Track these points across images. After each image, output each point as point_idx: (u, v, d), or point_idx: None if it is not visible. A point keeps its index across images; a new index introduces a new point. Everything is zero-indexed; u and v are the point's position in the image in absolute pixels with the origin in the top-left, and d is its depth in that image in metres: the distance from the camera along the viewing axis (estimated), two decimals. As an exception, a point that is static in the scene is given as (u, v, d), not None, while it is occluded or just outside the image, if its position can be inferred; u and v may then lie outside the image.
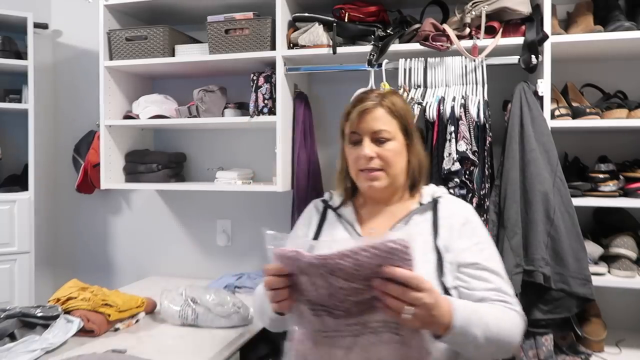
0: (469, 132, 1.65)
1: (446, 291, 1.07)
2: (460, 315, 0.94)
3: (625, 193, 1.77)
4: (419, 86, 1.82)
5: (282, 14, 1.98)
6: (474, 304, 1.03)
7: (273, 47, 2.01)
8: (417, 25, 1.89)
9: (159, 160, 2.29)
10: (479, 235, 1.16)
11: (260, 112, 2.04)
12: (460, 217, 1.17)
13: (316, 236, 1.26)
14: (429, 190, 1.24)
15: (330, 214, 1.29)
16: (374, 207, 1.24)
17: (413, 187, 1.23)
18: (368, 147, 1.16)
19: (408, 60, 1.83)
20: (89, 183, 2.47)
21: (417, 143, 1.22)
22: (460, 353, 1.03)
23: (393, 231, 1.16)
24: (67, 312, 1.60)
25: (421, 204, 1.20)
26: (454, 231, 1.14)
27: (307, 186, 2.08)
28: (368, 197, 1.25)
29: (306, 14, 2.00)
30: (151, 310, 1.83)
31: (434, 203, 1.19)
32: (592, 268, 1.67)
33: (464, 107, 1.69)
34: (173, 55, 2.17)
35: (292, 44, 2.02)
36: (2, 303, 2.24)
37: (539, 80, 1.71)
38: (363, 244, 0.84)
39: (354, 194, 1.30)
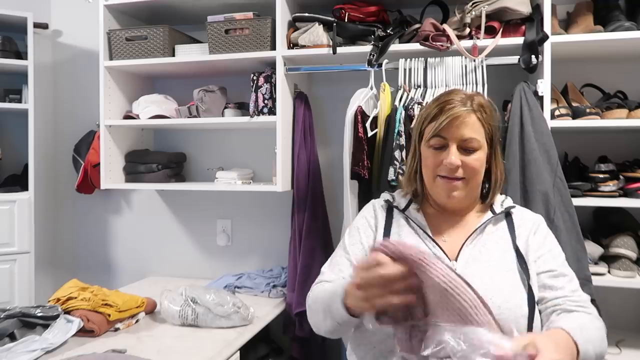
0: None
1: (531, 292, 1.04)
2: (580, 339, 0.91)
3: (625, 193, 1.77)
4: (419, 86, 1.82)
5: (282, 14, 1.98)
6: (573, 322, 0.98)
7: (273, 47, 2.01)
8: (417, 25, 1.89)
9: (159, 160, 2.29)
10: (550, 242, 1.15)
11: (260, 112, 2.04)
12: (531, 224, 1.15)
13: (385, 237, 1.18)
14: (499, 200, 1.20)
15: (397, 215, 1.20)
16: (444, 215, 1.17)
17: (486, 197, 1.18)
18: (455, 155, 1.08)
19: (408, 60, 1.83)
20: (89, 183, 2.47)
21: (499, 153, 1.16)
22: None
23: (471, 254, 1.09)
24: (67, 312, 1.60)
25: (495, 214, 1.16)
26: (529, 240, 1.12)
27: (307, 186, 2.08)
28: (441, 205, 1.17)
29: (306, 14, 2.00)
30: (151, 310, 1.83)
31: (507, 214, 1.17)
32: (592, 268, 1.67)
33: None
34: (173, 55, 2.17)
35: (292, 44, 2.02)
36: (2, 303, 2.24)
37: (539, 80, 1.71)
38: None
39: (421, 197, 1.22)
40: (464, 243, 1.11)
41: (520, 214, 1.18)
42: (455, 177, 1.09)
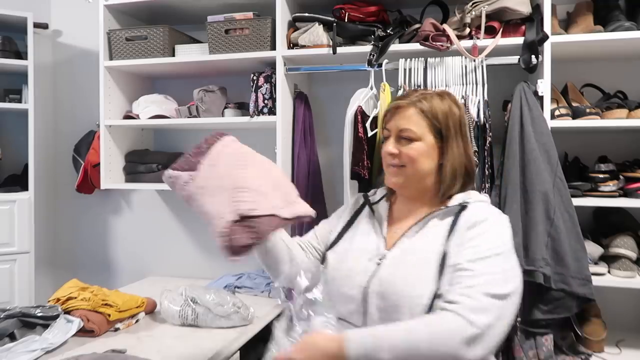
0: (469, 132, 1.65)
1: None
2: (357, 346, 0.95)
3: (625, 193, 1.77)
4: (419, 86, 1.82)
5: (282, 14, 1.98)
6: (382, 328, 1.01)
7: (273, 47, 2.01)
8: (417, 25, 1.89)
9: (159, 160, 2.29)
10: (479, 238, 1.07)
11: (260, 112, 2.04)
12: (474, 220, 1.10)
13: (346, 228, 1.28)
14: (462, 196, 1.17)
15: (366, 209, 1.29)
16: (405, 205, 1.23)
17: (446, 191, 1.18)
18: (391, 145, 1.18)
19: (408, 60, 1.83)
20: (89, 183, 2.47)
21: (454, 147, 1.17)
22: None
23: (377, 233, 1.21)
24: (67, 312, 1.60)
25: (445, 208, 1.15)
26: (463, 235, 1.08)
27: (307, 186, 2.08)
28: (398, 195, 1.26)
29: (306, 14, 2.00)
30: (151, 310, 1.83)
31: (461, 208, 1.13)
32: (592, 268, 1.67)
33: (464, 107, 1.69)
34: (173, 55, 2.17)
35: (292, 44, 2.02)
36: (2, 303, 2.24)
37: (539, 80, 1.71)
38: None
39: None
40: (403, 234, 1.16)
41: (474, 210, 1.13)
42: (395, 164, 1.18)
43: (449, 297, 1.00)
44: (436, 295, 1.03)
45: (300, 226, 2.04)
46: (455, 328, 0.95)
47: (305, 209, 1.18)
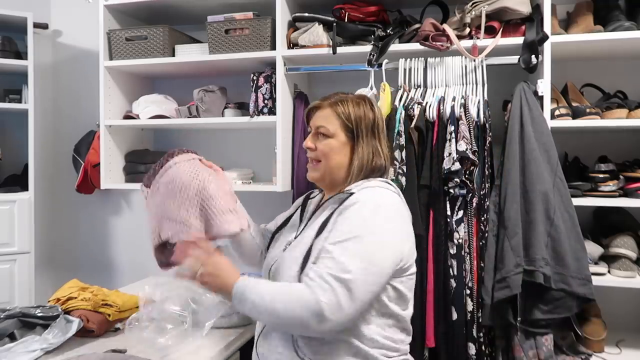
0: (469, 132, 1.65)
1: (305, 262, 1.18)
2: (241, 284, 1.14)
3: (625, 193, 1.77)
4: (419, 86, 1.82)
5: (282, 14, 1.98)
6: (264, 280, 1.24)
7: (273, 47, 2.01)
8: (417, 25, 1.89)
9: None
10: (344, 222, 1.16)
11: (260, 112, 2.04)
12: (347, 204, 1.18)
13: (283, 224, 1.42)
14: (357, 184, 1.25)
15: (304, 203, 1.43)
16: (326, 197, 1.34)
17: (350, 182, 1.27)
18: (310, 139, 1.32)
19: (408, 60, 1.83)
20: (89, 183, 2.47)
21: (364, 145, 1.27)
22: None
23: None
24: (67, 312, 1.60)
25: (335, 195, 1.25)
26: (336, 217, 1.18)
27: (307, 186, 2.08)
28: (322, 187, 1.38)
29: (306, 14, 2.00)
30: (151, 310, 1.83)
31: (348, 195, 1.20)
32: (592, 268, 1.67)
33: (464, 107, 1.69)
34: (173, 55, 2.17)
35: (292, 44, 2.02)
36: (2, 303, 2.24)
37: (539, 80, 1.71)
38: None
39: None
40: (307, 223, 1.31)
41: (355, 197, 1.19)
42: (312, 158, 1.31)
43: (309, 273, 1.12)
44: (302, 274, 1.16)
45: None
46: (307, 300, 1.07)
47: (229, 227, 1.29)
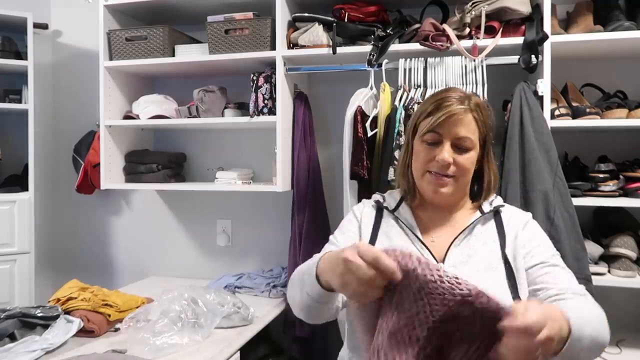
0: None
1: (515, 290, 1.05)
2: (573, 317, 0.84)
3: (625, 193, 1.77)
4: (419, 86, 1.82)
5: (282, 14, 1.98)
6: (568, 304, 0.95)
7: (273, 47, 2.01)
8: (417, 25, 1.89)
9: (159, 160, 2.29)
10: (538, 237, 1.13)
11: (260, 112, 2.04)
12: (519, 222, 1.14)
13: (372, 241, 1.16)
14: (488, 200, 1.20)
15: (387, 215, 1.20)
16: (434, 212, 1.18)
17: (477, 196, 1.19)
18: (448, 152, 1.08)
19: (408, 60, 1.83)
20: (89, 183, 2.47)
21: (492, 155, 1.18)
22: None
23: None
24: (67, 312, 1.60)
25: (483, 214, 1.16)
26: (518, 237, 1.11)
27: (307, 186, 2.08)
28: (429, 201, 1.18)
29: (306, 14, 2.00)
30: (151, 310, 1.83)
31: (495, 212, 1.16)
32: (592, 268, 1.67)
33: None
34: (173, 55, 2.17)
35: (292, 44, 2.02)
36: (2, 303, 2.24)
37: (539, 80, 1.71)
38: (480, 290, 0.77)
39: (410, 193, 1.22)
40: (451, 243, 1.11)
41: (509, 212, 1.17)
42: (445, 175, 1.10)
43: (573, 288, 1.03)
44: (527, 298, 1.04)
45: (299, 242, 2.05)
46: (600, 314, 0.96)
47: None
